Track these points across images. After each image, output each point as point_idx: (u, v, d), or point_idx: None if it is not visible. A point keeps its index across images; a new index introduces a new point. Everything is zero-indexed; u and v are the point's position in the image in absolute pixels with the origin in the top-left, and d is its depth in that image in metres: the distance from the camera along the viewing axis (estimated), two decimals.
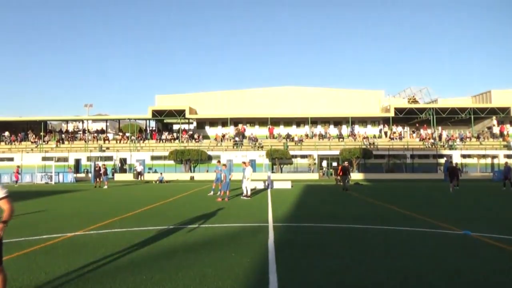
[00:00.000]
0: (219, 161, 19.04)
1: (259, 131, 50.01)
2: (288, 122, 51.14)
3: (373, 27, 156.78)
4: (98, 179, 28.72)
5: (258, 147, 45.15)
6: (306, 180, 35.36)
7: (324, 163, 43.44)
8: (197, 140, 47.32)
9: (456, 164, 24.72)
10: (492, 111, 46.83)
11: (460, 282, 5.14)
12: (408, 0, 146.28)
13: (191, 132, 50.29)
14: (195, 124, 52.98)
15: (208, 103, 52.82)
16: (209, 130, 52.02)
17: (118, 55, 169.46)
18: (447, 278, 5.29)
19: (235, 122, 50.56)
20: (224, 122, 50.24)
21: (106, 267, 5.84)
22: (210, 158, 43.45)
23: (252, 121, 51.17)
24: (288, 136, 47.45)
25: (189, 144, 46.04)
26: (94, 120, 58.15)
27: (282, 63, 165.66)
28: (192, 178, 40.22)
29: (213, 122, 52.06)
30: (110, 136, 52.15)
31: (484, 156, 43.57)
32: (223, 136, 48.02)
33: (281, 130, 50.25)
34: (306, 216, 11.73)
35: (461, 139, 45.73)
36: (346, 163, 25.50)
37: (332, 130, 49.68)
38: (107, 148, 46.28)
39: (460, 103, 50.37)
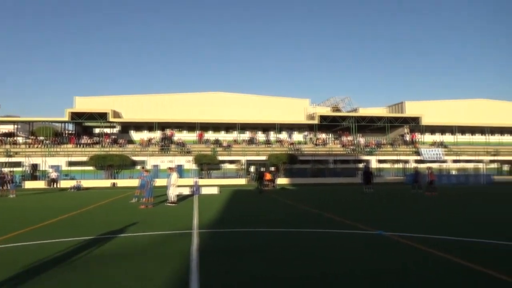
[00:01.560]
0: (143, 167, 18.32)
1: (187, 136, 49.24)
2: (217, 127, 51.08)
3: (299, 38, 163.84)
4: (2, 187, 25.92)
5: (186, 152, 44.39)
6: (234, 185, 35.53)
7: (252, 168, 44.08)
8: (120, 145, 45.11)
9: (370, 168, 27.13)
10: (405, 120, 51.47)
11: (374, 279, 5.47)
12: (330, 14, 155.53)
13: (114, 137, 47.81)
14: (119, 128, 50.50)
15: (133, 107, 50.71)
16: (134, 135, 49.96)
17: (33, 53, 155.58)
18: (363, 277, 5.61)
19: (163, 126, 49.21)
20: (150, 127, 48.60)
21: (6, 286, 5.22)
22: (134, 163, 41.68)
23: (180, 126, 50.23)
24: (216, 142, 47.37)
25: (111, 149, 43.69)
26: (1, 122, 52.49)
27: (211, 69, 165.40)
28: (114, 185, 38.18)
29: (139, 126, 50.11)
30: (20, 140, 47.46)
31: (397, 162, 47.62)
32: (149, 140, 46.42)
33: (210, 135, 50.02)
34: (232, 221, 11.72)
35: (378, 146, 49.49)
36: (262, 169, 29.16)
37: (261, 136, 50.73)
38: (16, 153, 42.06)
39: (378, 113, 54.67)
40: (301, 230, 9.87)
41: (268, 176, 30.78)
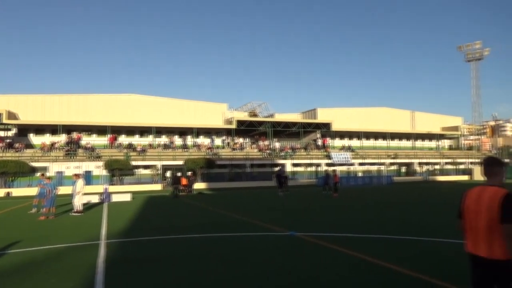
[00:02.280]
0: (42, 174, 16.82)
1: (97, 140, 46.20)
2: (130, 131, 48.81)
3: (217, 44, 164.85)
4: None
5: (95, 157, 41.67)
6: (149, 192, 34.30)
7: (168, 174, 43.03)
8: (17, 150, 40.71)
9: (285, 172, 28.49)
10: (317, 126, 54.62)
11: (284, 279, 5.71)
12: (246, 21, 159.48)
13: (9, 140, 42.94)
14: (15, 131, 45.50)
15: (33, 108, 46.10)
16: (34, 138, 45.40)
17: None
18: (274, 277, 5.83)
19: (68, 129, 45.53)
20: (54, 130, 44.61)
21: None
22: (34, 170, 37.90)
23: (89, 129, 46.96)
24: (130, 146, 45.28)
25: (5, 154, 39.18)
26: None
27: (124, 70, 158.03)
28: (8, 194, 34.31)
29: (40, 129, 45.66)
30: None
31: (310, 165, 50.30)
32: (52, 145, 42.62)
33: (123, 139, 47.64)
34: (144, 229, 11.31)
35: (292, 150, 51.76)
36: (179, 174, 29.23)
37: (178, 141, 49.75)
38: None
39: (292, 118, 57.16)
40: (215, 235, 9.91)
41: (184, 181, 30.31)
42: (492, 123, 65.48)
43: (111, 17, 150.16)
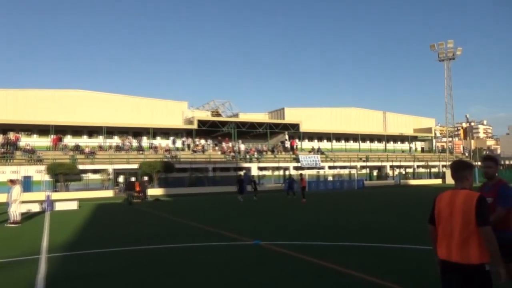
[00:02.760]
0: None
1: (38, 141, 44.39)
2: (77, 131, 47.19)
3: (174, 36, 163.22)
4: None
5: (36, 160, 40.00)
6: (99, 198, 33.33)
7: (121, 178, 42.01)
8: None
9: (251, 176, 28.73)
10: (285, 127, 55.13)
11: None
12: (210, 15, 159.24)
13: None
14: None
15: None
16: None
17: None
18: None
19: (4, 129, 43.44)
20: None
21: None
22: None
23: (29, 129, 45.02)
24: (77, 148, 43.80)
25: None
26: None
27: (70, 63, 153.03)
28: None
29: None
30: None
31: (278, 168, 50.70)
32: None
33: (69, 140, 45.98)
34: (91, 241, 10.96)
35: (259, 152, 51.94)
36: (133, 178, 29.57)
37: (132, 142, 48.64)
38: None
39: (259, 118, 57.41)
40: (171, 246, 9.75)
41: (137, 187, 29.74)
42: (465, 124, 68.76)
43: (54, 5, 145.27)
